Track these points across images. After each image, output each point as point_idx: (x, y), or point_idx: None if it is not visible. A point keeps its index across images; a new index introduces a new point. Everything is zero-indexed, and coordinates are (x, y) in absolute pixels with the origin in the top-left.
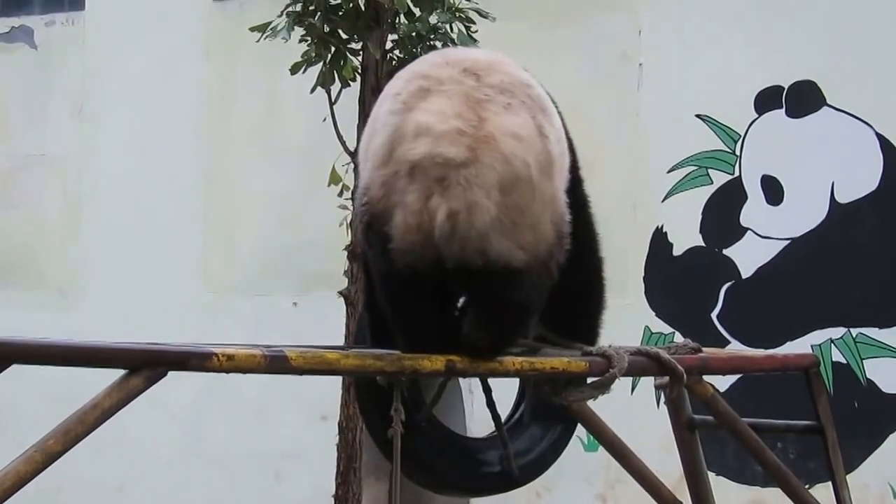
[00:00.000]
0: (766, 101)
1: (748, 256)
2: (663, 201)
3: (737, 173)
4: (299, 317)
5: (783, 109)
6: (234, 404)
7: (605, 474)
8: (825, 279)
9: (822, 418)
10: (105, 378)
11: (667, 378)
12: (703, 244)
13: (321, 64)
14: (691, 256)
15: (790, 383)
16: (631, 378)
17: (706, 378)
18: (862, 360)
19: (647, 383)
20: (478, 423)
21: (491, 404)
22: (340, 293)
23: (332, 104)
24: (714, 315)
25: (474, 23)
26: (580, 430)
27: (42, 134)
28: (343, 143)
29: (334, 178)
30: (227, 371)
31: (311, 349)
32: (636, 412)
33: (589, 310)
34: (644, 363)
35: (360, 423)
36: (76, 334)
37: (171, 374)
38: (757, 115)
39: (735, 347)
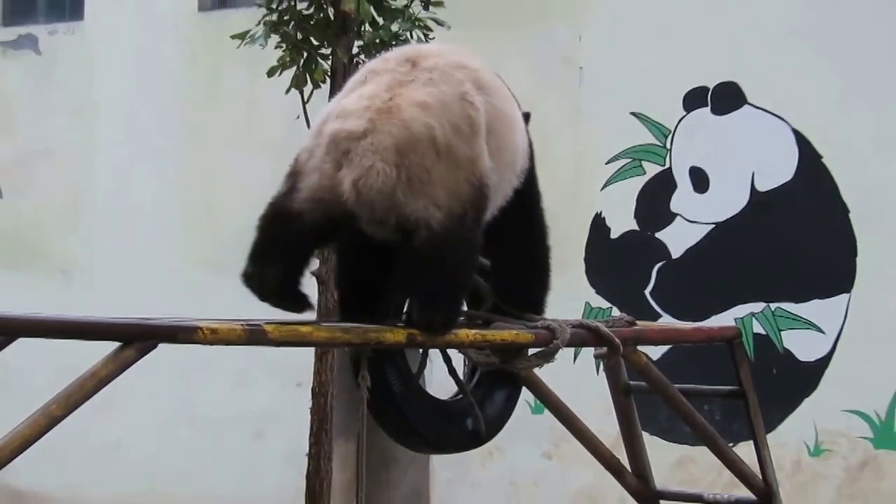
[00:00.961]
0: (693, 100)
1: (678, 239)
2: (602, 190)
3: (667, 165)
4: None
5: (708, 107)
6: (218, 372)
7: (551, 435)
8: (746, 259)
9: (744, 384)
10: (101, 350)
11: (605, 348)
12: (637, 228)
13: (295, 68)
14: (627, 239)
15: (715, 353)
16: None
17: (640, 348)
18: (780, 331)
19: (588, 353)
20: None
21: (452, 372)
22: (313, 273)
23: (304, 104)
24: (647, 292)
25: (432, 30)
26: (527, 394)
27: (46, 131)
28: None
29: None
30: (212, 343)
31: (286, 323)
32: (578, 379)
33: (535, 287)
34: (584, 335)
35: (331, 388)
36: (77, 311)
37: (161, 345)
38: (685, 113)
39: (666, 321)
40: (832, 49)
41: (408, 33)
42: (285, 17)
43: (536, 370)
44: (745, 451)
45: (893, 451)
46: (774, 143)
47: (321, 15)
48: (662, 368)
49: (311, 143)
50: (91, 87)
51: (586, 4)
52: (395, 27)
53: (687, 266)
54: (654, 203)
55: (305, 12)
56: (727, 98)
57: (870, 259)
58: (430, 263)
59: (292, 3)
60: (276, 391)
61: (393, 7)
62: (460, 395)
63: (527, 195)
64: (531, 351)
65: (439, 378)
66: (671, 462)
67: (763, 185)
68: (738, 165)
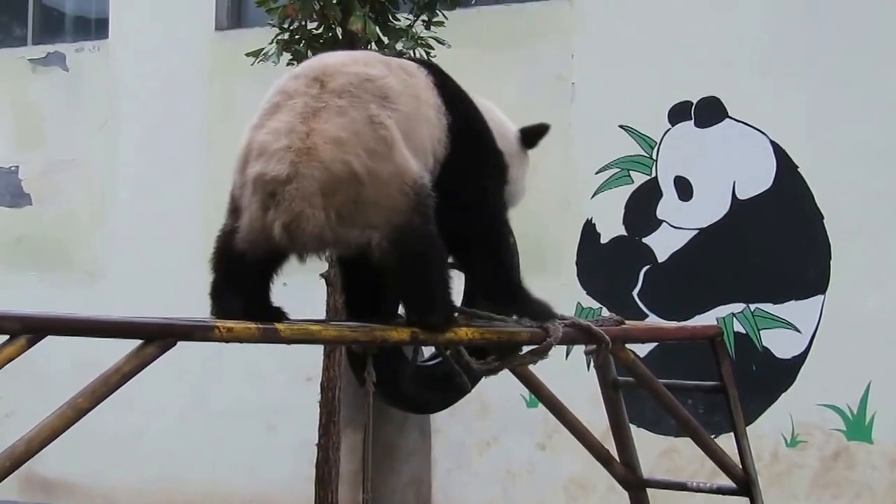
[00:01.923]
0: (678, 113)
1: (663, 244)
2: (592, 198)
3: (653, 174)
4: (288, 295)
5: (692, 121)
6: (233, 368)
7: (544, 427)
8: (728, 263)
9: (725, 380)
10: (122, 346)
11: (594, 346)
12: (625, 234)
13: None
14: (616, 244)
15: (698, 350)
16: (565, 346)
17: (628, 346)
18: (759, 330)
19: (579, 350)
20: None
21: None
22: (322, 275)
23: None
24: (635, 293)
25: (433, 49)
26: (522, 388)
27: (72, 142)
28: None
29: None
30: (227, 341)
31: (297, 322)
32: (570, 374)
33: (499, 273)
34: (575, 334)
35: (339, 383)
36: (100, 310)
37: (179, 343)
38: (670, 126)
39: (652, 320)
40: (807, 67)
41: (411, 51)
42: (296, 36)
43: (531, 366)
44: (726, 443)
45: (865, 443)
46: (754, 154)
47: (330, 34)
48: (649, 365)
49: (239, 179)
50: (115, 102)
51: (578, 25)
52: (399, 45)
53: (672, 269)
54: (642, 210)
55: (315, 31)
56: (709, 112)
57: (843, 263)
58: (399, 274)
59: (303, 23)
60: (286, 385)
61: (397, 27)
62: (439, 359)
63: (467, 184)
64: (525, 348)
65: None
66: (657, 452)
67: (743, 194)
68: (719, 175)
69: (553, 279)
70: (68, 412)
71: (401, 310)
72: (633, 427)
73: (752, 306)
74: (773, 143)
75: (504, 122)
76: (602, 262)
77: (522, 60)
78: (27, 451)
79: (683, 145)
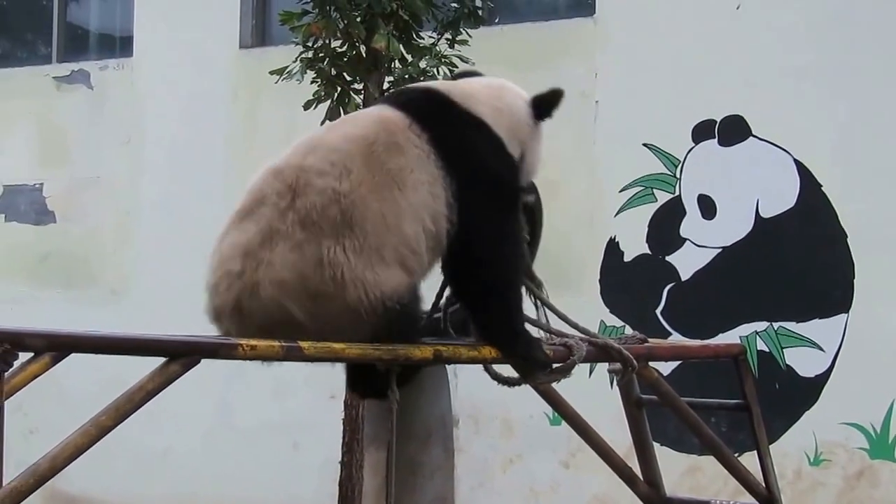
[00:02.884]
0: (702, 132)
1: (687, 262)
2: (616, 216)
3: (677, 192)
4: None
5: (716, 139)
6: (258, 385)
7: (568, 445)
8: (751, 281)
9: (748, 398)
10: (146, 363)
11: (618, 364)
12: (649, 252)
13: (329, 101)
14: (639, 262)
15: (722, 368)
16: (588, 364)
17: (651, 364)
18: (782, 349)
19: (602, 368)
20: (461, 401)
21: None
22: None
23: None
24: (658, 311)
25: (456, 67)
26: (546, 406)
27: (97, 160)
28: None
29: None
30: (251, 359)
31: (319, 340)
32: (593, 392)
33: (493, 316)
34: (596, 352)
35: (362, 401)
36: (125, 327)
37: (204, 360)
38: (694, 144)
39: (675, 338)
40: (832, 86)
41: (435, 69)
42: (320, 55)
43: (554, 384)
44: (749, 461)
45: (888, 462)
46: (777, 172)
47: (354, 52)
48: (672, 383)
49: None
50: (139, 119)
51: (602, 43)
52: (423, 64)
53: (695, 287)
54: (665, 228)
55: (339, 50)
56: (733, 130)
57: (867, 281)
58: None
59: (327, 42)
60: (311, 403)
61: (421, 45)
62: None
63: (479, 235)
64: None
65: None
66: (680, 471)
67: (767, 212)
68: (743, 193)
69: (576, 297)
70: (92, 430)
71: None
72: (656, 445)
73: (776, 324)
74: (796, 161)
75: (512, 107)
76: (625, 280)
77: (546, 78)
78: (51, 469)
79: (707, 164)
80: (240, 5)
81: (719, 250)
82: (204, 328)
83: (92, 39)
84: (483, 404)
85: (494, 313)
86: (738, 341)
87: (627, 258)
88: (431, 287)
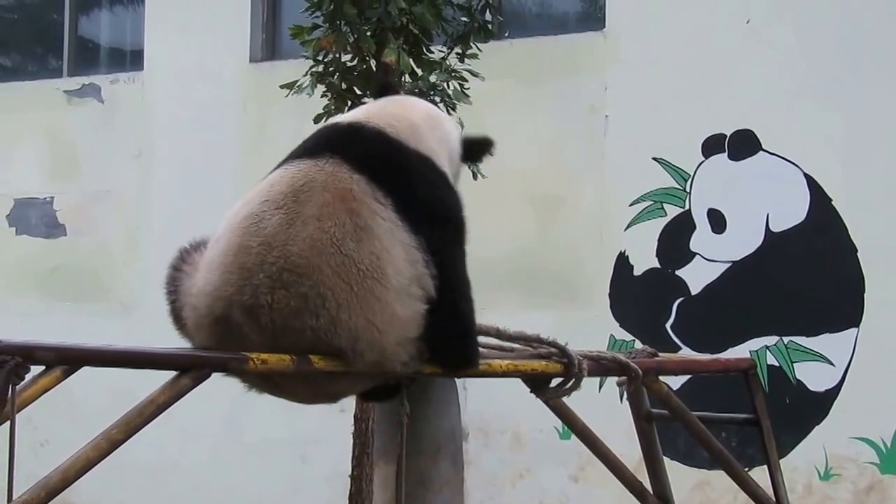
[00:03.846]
0: (712, 146)
1: (697, 276)
2: (626, 230)
3: (687, 207)
4: None
5: (726, 153)
6: (266, 399)
7: (577, 459)
8: (761, 296)
9: (758, 412)
10: (155, 377)
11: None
12: (658, 266)
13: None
14: (649, 276)
15: (732, 383)
16: (598, 378)
17: (662, 378)
18: (792, 363)
19: (612, 382)
20: (470, 414)
21: None
22: None
23: None
24: (668, 325)
25: (467, 81)
26: (555, 420)
27: (107, 173)
28: None
29: None
30: (261, 373)
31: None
32: (603, 406)
33: (451, 342)
34: (597, 366)
35: (372, 414)
36: (135, 340)
37: (214, 374)
38: (704, 158)
39: (686, 353)
40: (842, 101)
41: (445, 84)
42: (330, 69)
43: (564, 398)
44: (759, 476)
45: None
46: (787, 187)
47: (364, 66)
48: (682, 397)
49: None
50: (150, 133)
51: (612, 57)
52: (433, 78)
53: (705, 302)
54: (675, 242)
55: (349, 64)
56: (743, 145)
57: (877, 296)
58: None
59: (337, 56)
60: (320, 417)
61: (431, 59)
62: None
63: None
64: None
65: None
66: (691, 485)
67: (777, 226)
68: (753, 207)
69: (586, 311)
70: (103, 443)
71: None
72: (666, 459)
73: (786, 339)
74: (806, 175)
75: (449, 137)
76: (635, 295)
77: (556, 93)
78: (62, 481)
79: (717, 178)
80: (250, 19)
81: (729, 264)
82: None
83: (102, 53)
84: (493, 418)
85: (453, 333)
86: (749, 355)
87: (637, 272)
88: None
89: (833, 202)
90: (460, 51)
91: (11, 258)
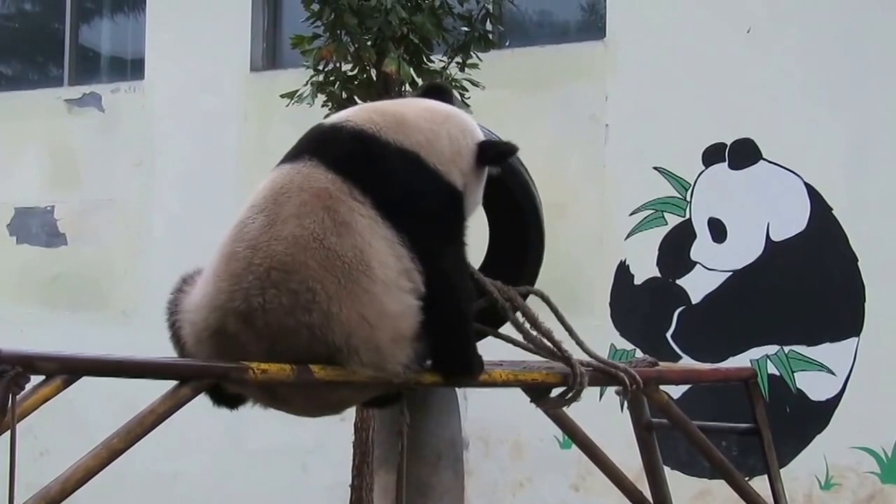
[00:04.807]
0: (712, 155)
1: (697, 286)
2: (626, 239)
3: (687, 216)
4: None
5: (726, 162)
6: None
7: (578, 468)
8: (762, 305)
9: (759, 422)
10: (156, 386)
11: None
12: (659, 275)
13: None
14: (650, 285)
15: (732, 392)
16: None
17: (662, 387)
18: (793, 372)
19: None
20: (471, 423)
21: None
22: None
23: None
24: (669, 335)
25: (467, 90)
26: (556, 429)
27: (108, 182)
28: None
29: None
30: (262, 382)
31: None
32: (603, 416)
33: (444, 348)
34: (597, 375)
35: (372, 424)
36: (136, 349)
37: None
38: (704, 168)
39: (686, 362)
40: (842, 109)
41: None
42: (331, 78)
43: (564, 408)
44: (760, 485)
45: None
46: (788, 196)
47: (364, 76)
48: (683, 406)
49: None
50: (150, 142)
51: (612, 67)
52: None
53: (706, 311)
54: (676, 252)
55: (350, 73)
56: (744, 154)
57: (877, 305)
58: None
59: (338, 65)
60: (320, 426)
61: (431, 69)
62: None
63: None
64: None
65: None
66: (691, 494)
67: (777, 236)
68: (753, 217)
69: (586, 320)
70: (103, 453)
71: None
72: (667, 469)
73: (787, 348)
74: (807, 184)
75: (451, 135)
76: (636, 304)
77: (556, 102)
78: (62, 491)
79: (717, 187)
80: (251, 29)
81: (730, 273)
82: None
83: (103, 62)
84: (493, 427)
85: (452, 341)
86: (749, 365)
87: (638, 281)
88: None
89: (834, 211)
90: (461, 60)
91: (12, 267)
